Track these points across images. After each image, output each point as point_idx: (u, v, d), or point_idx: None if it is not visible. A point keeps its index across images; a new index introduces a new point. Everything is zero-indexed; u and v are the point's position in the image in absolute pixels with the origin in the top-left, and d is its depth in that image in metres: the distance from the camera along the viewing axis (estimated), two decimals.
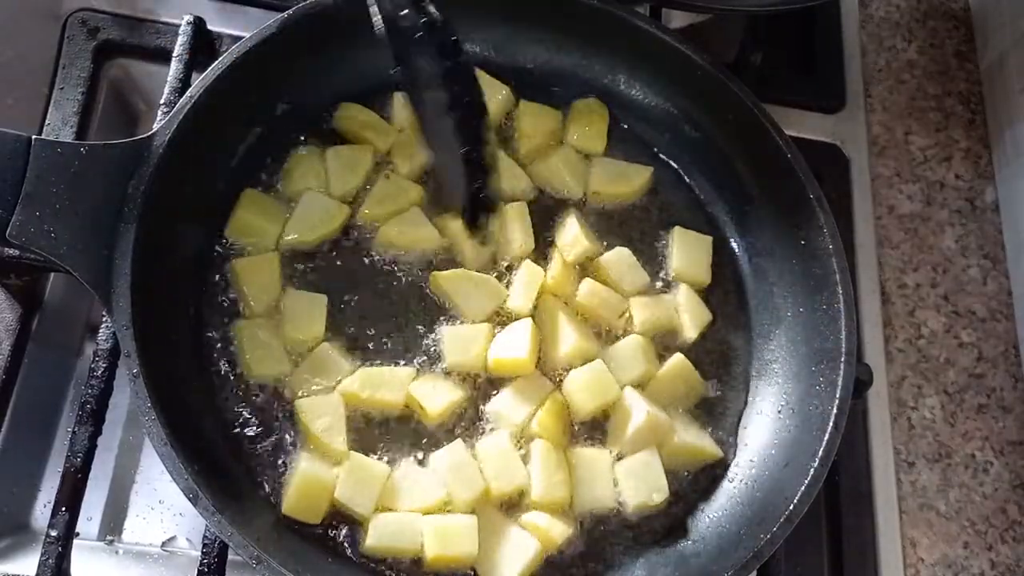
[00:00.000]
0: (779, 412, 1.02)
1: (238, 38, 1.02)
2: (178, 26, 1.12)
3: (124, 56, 1.20)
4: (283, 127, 1.07)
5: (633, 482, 0.96)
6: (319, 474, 0.91)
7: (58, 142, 0.88)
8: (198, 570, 0.90)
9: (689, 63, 1.09)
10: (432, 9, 0.90)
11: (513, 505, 0.95)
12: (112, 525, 1.08)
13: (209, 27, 1.15)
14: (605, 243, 1.09)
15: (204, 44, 1.14)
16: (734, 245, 1.13)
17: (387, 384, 0.97)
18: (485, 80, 1.12)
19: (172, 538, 1.06)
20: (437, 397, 0.96)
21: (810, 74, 1.36)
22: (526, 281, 1.03)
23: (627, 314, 1.05)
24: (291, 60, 1.04)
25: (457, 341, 1.00)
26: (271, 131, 1.06)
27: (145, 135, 0.92)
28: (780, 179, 1.06)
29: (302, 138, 1.08)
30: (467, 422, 0.98)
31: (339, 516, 0.92)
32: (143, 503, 1.09)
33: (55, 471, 1.03)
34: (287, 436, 0.95)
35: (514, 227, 1.06)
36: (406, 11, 0.89)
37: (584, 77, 1.16)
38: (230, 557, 0.91)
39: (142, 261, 0.87)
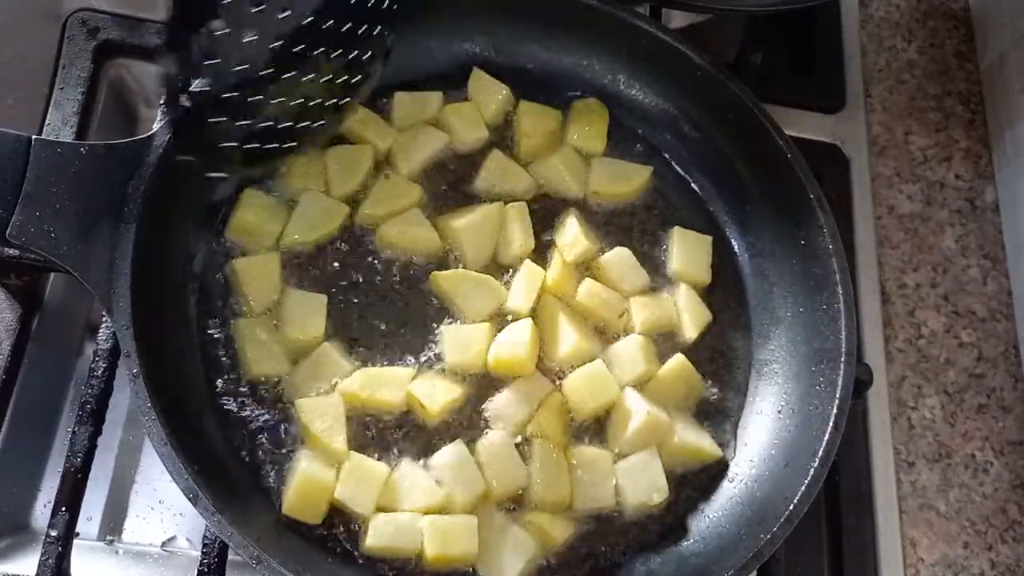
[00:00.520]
0: (779, 412, 1.02)
1: None
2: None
3: (124, 56, 1.20)
4: None
5: (633, 482, 0.96)
6: (319, 474, 0.91)
7: (58, 142, 0.88)
8: (198, 570, 0.90)
9: (689, 63, 1.09)
10: None
11: (513, 505, 0.95)
12: (112, 525, 1.08)
13: None
14: (605, 243, 1.09)
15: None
16: (734, 245, 1.13)
17: (387, 384, 0.97)
18: (485, 80, 1.12)
19: (172, 538, 1.06)
20: (437, 395, 0.96)
21: (810, 74, 1.36)
22: (526, 281, 1.03)
23: (627, 314, 1.05)
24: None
25: (457, 341, 1.00)
26: None
27: (145, 135, 0.92)
28: (780, 179, 1.06)
29: None
30: (467, 422, 0.98)
31: (339, 516, 0.92)
32: (143, 503, 1.09)
33: (55, 471, 1.03)
34: (287, 436, 0.95)
35: (514, 227, 1.06)
36: None
37: (584, 77, 1.16)
38: (230, 557, 0.91)
39: (142, 261, 0.87)
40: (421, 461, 0.95)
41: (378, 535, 0.90)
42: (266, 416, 0.95)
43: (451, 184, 1.09)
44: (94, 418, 0.94)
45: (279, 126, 0.92)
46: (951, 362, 1.24)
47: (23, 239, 0.84)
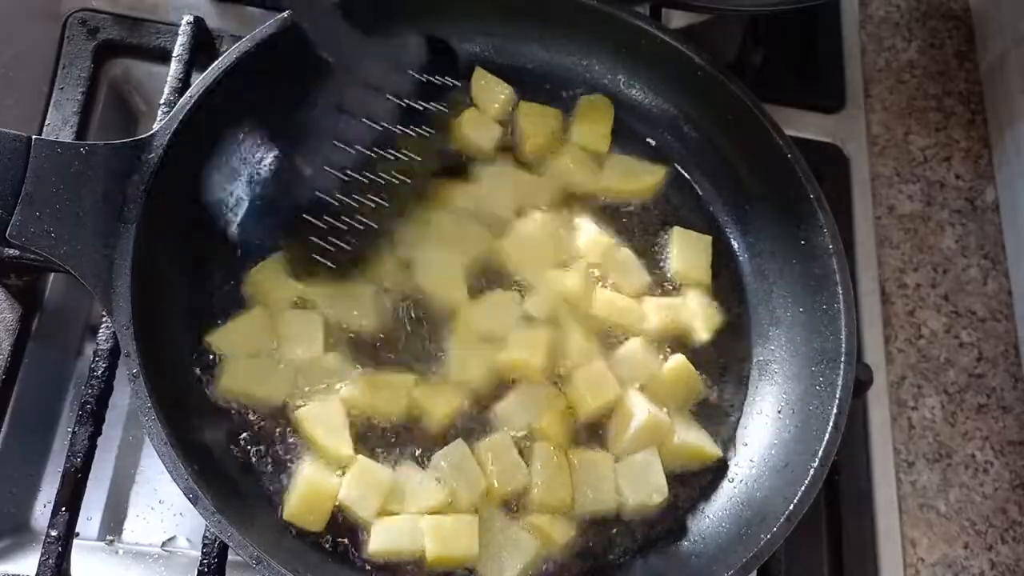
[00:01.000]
0: (779, 412, 1.02)
1: (238, 38, 1.02)
2: (178, 26, 1.12)
3: (124, 56, 1.20)
4: None
5: (633, 483, 0.96)
6: (323, 480, 0.91)
7: (58, 142, 0.88)
8: (198, 570, 0.90)
9: (689, 63, 1.09)
10: None
11: (514, 506, 0.95)
12: (112, 525, 1.08)
13: (209, 27, 1.15)
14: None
15: (204, 44, 1.14)
16: (734, 245, 1.13)
17: (388, 390, 0.96)
18: (488, 80, 1.12)
19: (172, 538, 1.06)
20: (440, 405, 0.96)
21: (810, 74, 1.36)
22: (545, 287, 1.02)
23: (643, 319, 1.05)
24: (291, 60, 1.04)
25: (463, 360, 0.99)
26: None
27: (145, 135, 0.92)
28: (780, 179, 1.06)
29: None
30: (471, 424, 0.98)
31: (339, 518, 0.92)
32: (143, 503, 1.09)
33: (55, 471, 1.03)
34: (287, 436, 0.94)
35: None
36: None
37: (584, 77, 1.16)
38: (230, 557, 0.91)
39: (142, 261, 0.87)
40: (423, 460, 0.95)
41: (381, 539, 0.90)
42: (266, 415, 0.95)
43: None
44: (94, 418, 0.94)
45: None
46: (951, 362, 1.24)
47: (23, 239, 0.84)
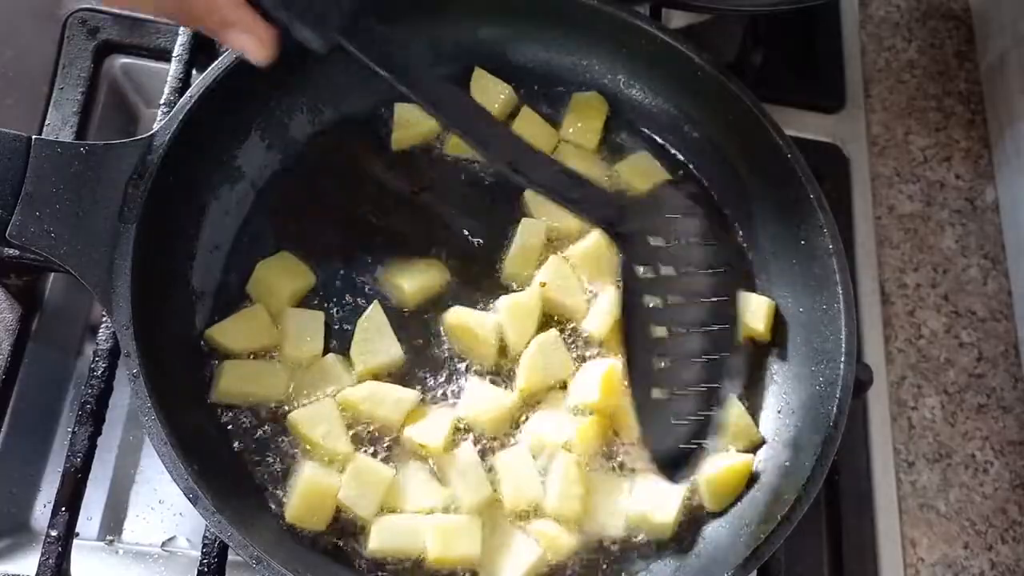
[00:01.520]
0: (779, 412, 1.02)
1: None
2: (178, 26, 1.12)
3: (124, 56, 1.20)
4: None
5: (647, 506, 0.94)
6: (323, 480, 0.90)
7: (58, 142, 0.88)
8: (198, 570, 0.90)
9: (689, 63, 1.09)
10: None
11: (525, 513, 0.94)
12: (112, 525, 1.08)
13: None
14: None
15: (204, 44, 1.14)
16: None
17: (389, 403, 0.95)
18: (487, 80, 1.12)
19: (172, 538, 1.06)
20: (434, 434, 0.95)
21: (810, 74, 1.36)
22: (608, 302, 1.01)
23: None
24: (291, 60, 1.04)
25: (482, 400, 0.97)
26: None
27: (145, 135, 0.92)
28: (780, 179, 1.06)
29: None
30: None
31: (340, 517, 0.92)
32: (143, 503, 1.09)
33: (55, 471, 1.03)
34: (288, 436, 0.94)
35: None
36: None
37: (584, 77, 1.16)
38: (230, 557, 0.91)
39: (142, 261, 0.87)
40: (428, 461, 0.95)
41: (381, 538, 0.90)
42: (266, 415, 0.95)
43: None
44: (94, 418, 0.94)
45: None
46: (951, 362, 1.24)
47: (23, 239, 0.84)
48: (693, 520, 0.97)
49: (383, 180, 1.07)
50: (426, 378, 0.99)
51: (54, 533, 0.89)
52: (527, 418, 0.97)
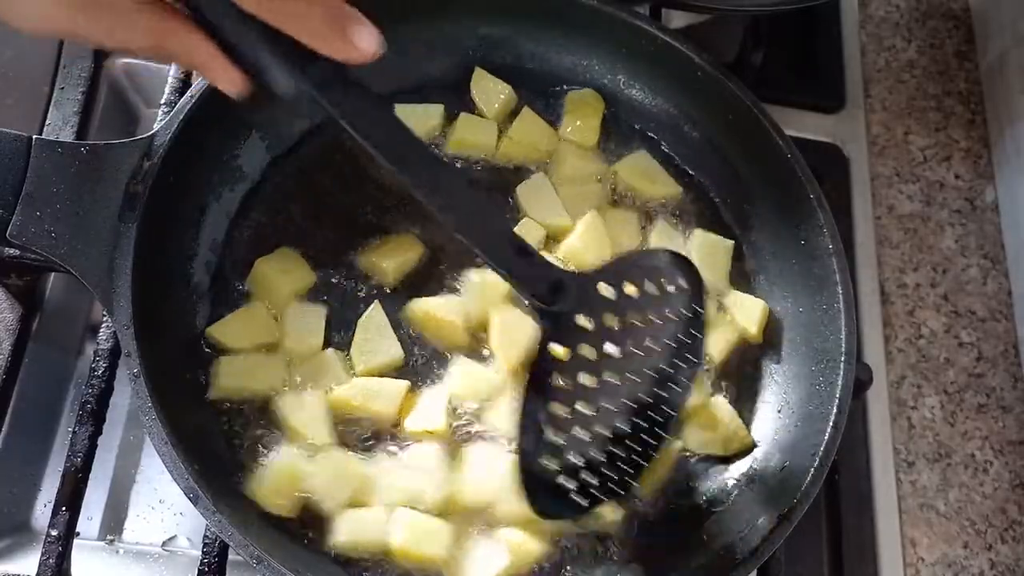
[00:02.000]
0: (779, 412, 1.02)
1: None
2: None
3: (124, 56, 1.20)
4: None
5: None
6: (294, 465, 0.90)
7: (58, 142, 0.88)
8: (198, 570, 0.90)
9: (689, 63, 1.09)
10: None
11: (489, 520, 0.93)
12: (112, 525, 1.08)
13: None
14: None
15: None
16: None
17: (381, 396, 0.95)
18: (487, 80, 1.12)
19: (173, 538, 1.06)
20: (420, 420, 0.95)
21: (810, 74, 1.36)
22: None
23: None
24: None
25: (470, 380, 0.98)
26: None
27: (146, 135, 0.92)
28: (780, 179, 1.06)
29: None
30: (463, 427, 0.97)
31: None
32: (143, 503, 1.09)
33: (55, 471, 1.03)
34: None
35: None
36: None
37: (584, 77, 1.16)
38: (230, 557, 0.91)
39: (143, 261, 0.87)
40: (397, 454, 0.94)
41: (346, 531, 0.89)
42: (266, 415, 0.95)
43: None
44: (94, 418, 0.94)
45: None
46: (951, 362, 1.24)
47: (23, 239, 0.84)
48: (692, 520, 0.98)
49: (383, 179, 1.07)
50: (414, 363, 0.99)
51: (54, 533, 0.89)
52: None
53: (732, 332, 1.05)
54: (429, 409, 0.96)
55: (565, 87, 1.15)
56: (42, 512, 1.06)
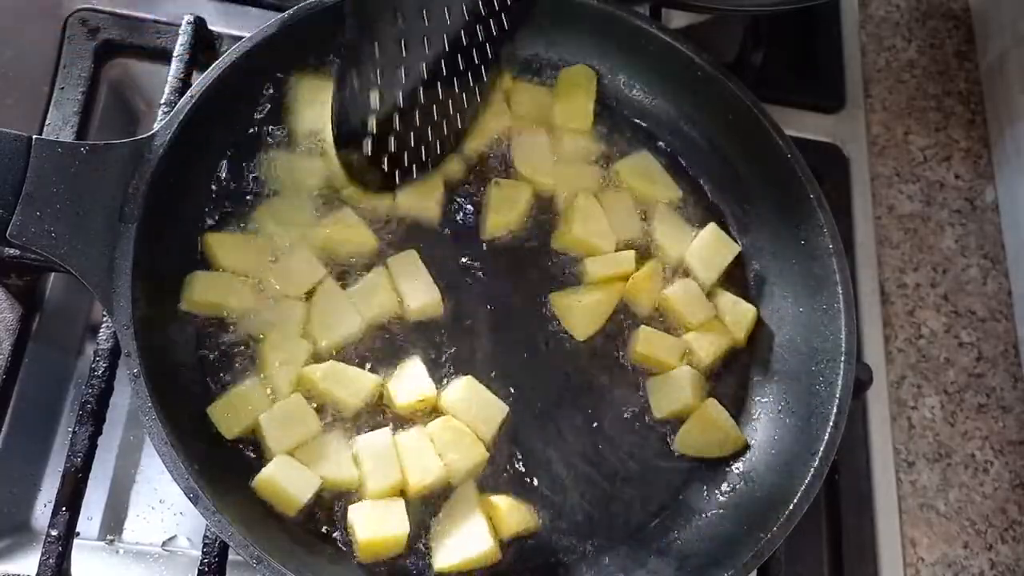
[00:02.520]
0: (779, 412, 1.02)
1: (238, 38, 1.02)
2: (178, 26, 1.12)
3: (124, 56, 1.20)
4: None
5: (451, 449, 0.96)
6: (253, 395, 0.93)
7: (59, 142, 0.88)
8: (198, 570, 0.90)
9: (689, 63, 1.09)
10: None
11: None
12: (112, 525, 1.08)
13: (209, 27, 1.15)
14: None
15: (204, 44, 1.14)
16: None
17: (350, 384, 0.96)
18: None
19: (173, 538, 1.06)
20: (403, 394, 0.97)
21: (810, 74, 1.36)
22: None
23: (686, 354, 1.04)
24: (292, 60, 1.04)
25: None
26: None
27: (146, 135, 0.92)
28: (780, 179, 1.06)
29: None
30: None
31: (334, 516, 0.92)
32: (143, 503, 1.09)
33: (55, 471, 1.03)
34: None
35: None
36: None
37: None
38: (230, 557, 0.91)
39: (143, 261, 0.88)
40: (350, 437, 0.95)
41: (274, 472, 0.90)
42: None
43: None
44: (94, 418, 0.94)
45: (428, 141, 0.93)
46: (951, 362, 1.24)
47: (23, 239, 0.84)
48: (692, 519, 0.98)
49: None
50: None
51: (54, 533, 0.89)
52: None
53: (724, 335, 1.05)
54: (411, 380, 0.97)
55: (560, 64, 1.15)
56: (42, 512, 1.06)
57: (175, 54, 1.09)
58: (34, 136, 0.86)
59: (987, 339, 1.26)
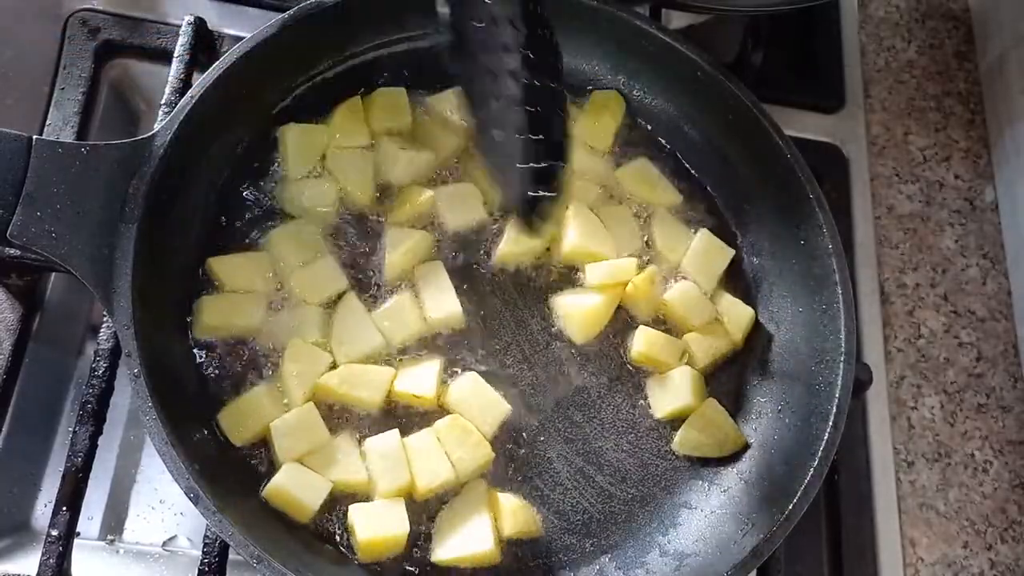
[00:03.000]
0: (779, 412, 1.02)
1: (239, 38, 1.02)
2: (179, 26, 1.12)
3: (125, 56, 1.20)
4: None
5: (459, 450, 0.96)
6: (265, 403, 0.93)
7: (59, 142, 0.88)
8: (199, 570, 0.90)
9: (689, 63, 1.09)
10: None
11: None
12: (113, 525, 1.08)
13: (210, 27, 1.15)
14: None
15: (205, 44, 1.14)
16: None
17: (367, 383, 0.96)
18: None
19: (173, 537, 1.06)
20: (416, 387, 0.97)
21: (810, 74, 1.37)
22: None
23: (686, 354, 1.05)
24: (292, 61, 1.04)
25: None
26: (271, 131, 1.06)
27: (146, 135, 0.92)
28: (780, 179, 1.06)
29: None
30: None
31: (334, 516, 0.92)
32: (144, 503, 1.09)
33: (56, 471, 1.03)
34: None
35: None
36: None
37: (585, 77, 1.16)
38: (231, 556, 0.91)
39: (143, 261, 0.88)
40: (357, 437, 0.95)
41: (283, 481, 0.90)
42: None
43: None
44: (95, 418, 0.94)
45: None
46: (951, 362, 1.24)
47: (24, 239, 0.84)
48: (692, 519, 0.98)
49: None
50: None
51: (55, 533, 0.89)
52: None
53: (722, 337, 1.05)
54: (421, 375, 0.97)
55: (566, 89, 1.15)
56: (42, 512, 1.06)
57: (175, 54, 1.09)
58: (34, 136, 0.86)
59: (987, 339, 1.26)
